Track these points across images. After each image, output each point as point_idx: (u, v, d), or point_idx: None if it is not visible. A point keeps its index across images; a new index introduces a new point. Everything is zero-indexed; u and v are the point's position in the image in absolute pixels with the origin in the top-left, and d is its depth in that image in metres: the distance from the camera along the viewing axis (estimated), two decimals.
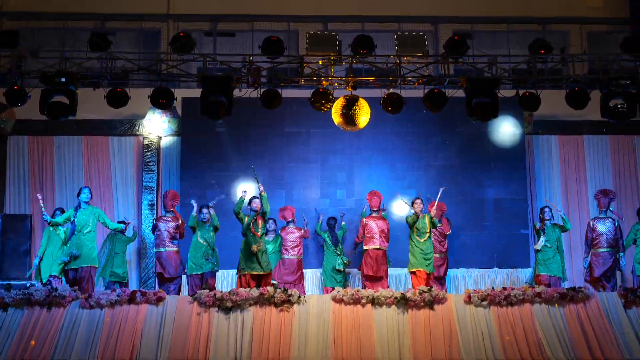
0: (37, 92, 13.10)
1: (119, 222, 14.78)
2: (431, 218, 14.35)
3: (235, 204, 13.63)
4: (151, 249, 15.70)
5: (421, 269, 14.11)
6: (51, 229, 14.50)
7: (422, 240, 14.18)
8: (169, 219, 14.56)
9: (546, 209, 14.64)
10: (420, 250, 14.16)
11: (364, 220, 15.23)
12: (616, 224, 14.61)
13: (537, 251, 14.56)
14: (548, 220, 14.53)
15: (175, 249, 14.44)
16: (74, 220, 13.55)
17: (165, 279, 14.31)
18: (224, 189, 16.35)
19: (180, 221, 14.60)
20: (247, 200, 13.60)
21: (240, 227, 13.70)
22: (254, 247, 13.48)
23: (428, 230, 14.29)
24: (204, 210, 14.29)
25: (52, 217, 14.07)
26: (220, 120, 13.54)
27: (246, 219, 13.55)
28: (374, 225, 15.04)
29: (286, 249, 15.28)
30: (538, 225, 14.60)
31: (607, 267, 14.45)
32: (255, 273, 13.54)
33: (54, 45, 16.00)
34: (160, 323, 12.22)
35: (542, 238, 14.42)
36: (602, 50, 16.54)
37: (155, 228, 14.58)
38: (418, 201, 14.39)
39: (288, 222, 15.51)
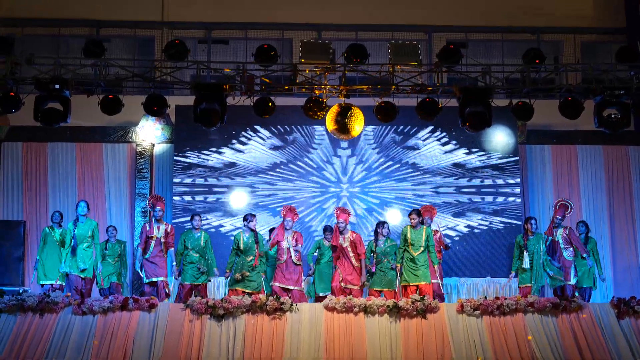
0: (31, 98, 13.12)
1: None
2: (429, 234, 13.80)
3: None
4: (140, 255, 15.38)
5: (411, 284, 13.59)
6: (47, 230, 14.42)
7: (416, 254, 13.63)
8: (158, 224, 14.19)
9: (532, 221, 14.24)
10: (411, 263, 13.63)
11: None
12: (569, 231, 14.07)
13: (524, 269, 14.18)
14: (533, 233, 14.24)
15: (161, 254, 14.00)
16: (74, 234, 13.70)
17: (149, 282, 13.89)
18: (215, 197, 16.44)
19: (169, 227, 14.32)
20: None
21: None
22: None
23: (423, 244, 13.70)
24: (196, 218, 14.19)
25: (52, 219, 14.38)
26: (214, 128, 13.51)
27: None
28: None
29: (282, 255, 13.87)
30: (521, 242, 14.11)
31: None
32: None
33: (49, 52, 16.01)
34: (153, 330, 12.21)
35: (526, 255, 13.88)
36: (595, 59, 16.59)
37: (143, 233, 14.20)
38: (414, 214, 14.14)
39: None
